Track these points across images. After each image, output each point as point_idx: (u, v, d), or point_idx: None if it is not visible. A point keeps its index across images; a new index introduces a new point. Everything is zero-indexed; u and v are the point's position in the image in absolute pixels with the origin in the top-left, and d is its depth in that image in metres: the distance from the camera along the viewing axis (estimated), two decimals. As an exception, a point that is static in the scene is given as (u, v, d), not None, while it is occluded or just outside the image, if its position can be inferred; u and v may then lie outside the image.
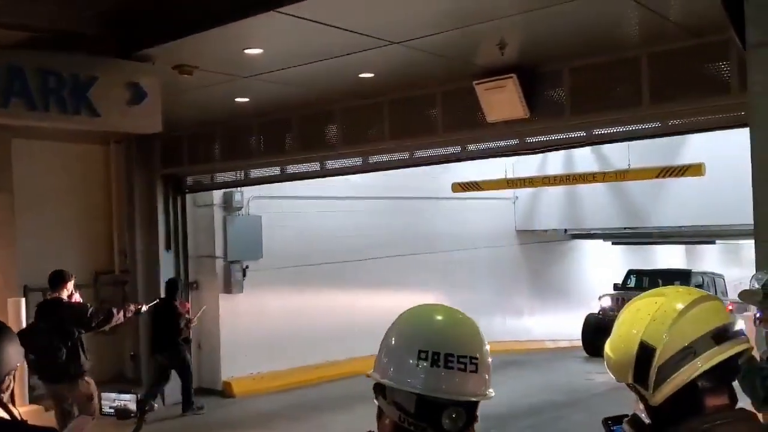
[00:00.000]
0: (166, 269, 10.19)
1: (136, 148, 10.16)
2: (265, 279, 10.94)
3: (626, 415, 1.76)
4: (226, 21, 5.28)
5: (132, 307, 7.33)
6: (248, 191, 10.71)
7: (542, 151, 8.06)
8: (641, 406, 1.64)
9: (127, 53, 6.03)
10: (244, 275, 10.74)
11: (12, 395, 2.27)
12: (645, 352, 1.58)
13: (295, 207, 11.32)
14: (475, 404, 1.62)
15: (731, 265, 21.90)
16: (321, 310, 11.62)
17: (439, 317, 1.70)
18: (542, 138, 7.19)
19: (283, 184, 10.24)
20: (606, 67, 6.30)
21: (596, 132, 6.86)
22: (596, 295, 14.51)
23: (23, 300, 8.79)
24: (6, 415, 2.26)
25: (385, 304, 12.41)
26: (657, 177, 11.10)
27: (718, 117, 5.98)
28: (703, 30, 5.62)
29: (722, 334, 1.58)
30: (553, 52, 6.37)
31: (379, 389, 1.68)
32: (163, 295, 9.45)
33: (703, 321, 1.58)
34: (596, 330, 13.45)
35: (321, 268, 11.61)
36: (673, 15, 5.40)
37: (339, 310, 11.82)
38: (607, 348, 1.70)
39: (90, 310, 6.90)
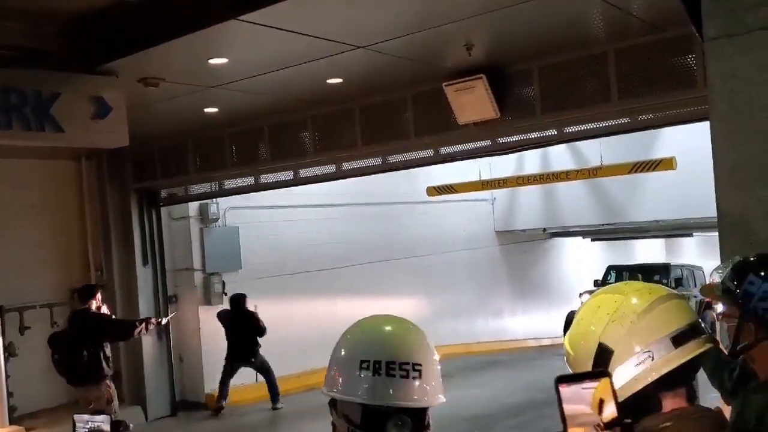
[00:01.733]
0: (144, 284, 10.09)
1: (107, 163, 10.05)
2: (244, 290, 10.83)
3: None
4: (188, 31, 5.22)
5: (154, 320, 7.99)
6: (224, 202, 10.63)
7: (515, 151, 8.06)
8: None
9: (91, 68, 5.95)
10: (224, 287, 10.65)
11: None
12: (603, 353, 1.55)
13: (271, 216, 11.25)
14: (423, 411, 1.60)
15: (710, 258, 22.07)
16: (301, 319, 11.56)
17: (382, 327, 1.70)
18: (514, 138, 7.19)
19: (259, 193, 10.18)
20: (574, 65, 6.32)
21: (567, 130, 6.86)
22: (577, 293, 14.55)
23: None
24: None
25: (364, 311, 12.19)
26: (629, 172, 11.15)
27: (686, 111, 6.00)
28: (666, 24, 5.64)
29: (682, 337, 1.54)
30: (521, 51, 6.38)
31: (332, 403, 1.66)
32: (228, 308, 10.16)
33: (663, 323, 1.55)
34: None
35: (299, 276, 11.56)
36: (635, 10, 5.42)
37: (319, 319, 11.73)
38: (567, 344, 1.67)
39: (112, 321, 7.74)
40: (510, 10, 5.20)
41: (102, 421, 3.41)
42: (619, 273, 15.83)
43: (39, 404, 9.65)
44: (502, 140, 7.31)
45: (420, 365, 1.59)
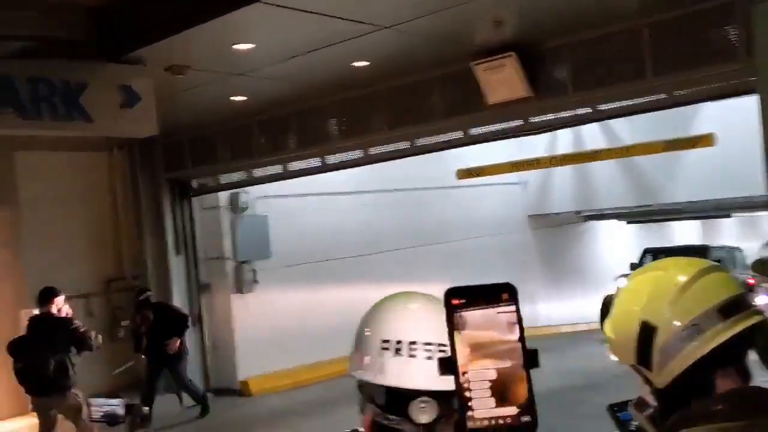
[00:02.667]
0: (177, 273, 10.16)
1: (138, 154, 10.12)
2: (275, 278, 10.87)
3: (631, 400, 1.65)
4: (213, 15, 5.18)
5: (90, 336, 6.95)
6: (253, 191, 10.63)
7: (547, 131, 7.90)
8: (647, 388, 1.51)
9: (118, 57, 5.95)
10: (255, 275, 10.67)
11: None
12: (646, 331, 1.44)
13: (300, 204, 11.23)
14: (451, 393, 1.51)
15: (750, 239, 21.60)
16: (331, 305, 11.54)
17: (405, 304, 1.60)
18: (547, 117, 7.03)
19: (288, 181, 10.17)
20: (607, 41, 6.15)
21: (601, 108, 6.69)
22: (613, 277, 14.30)
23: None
24: None
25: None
26: (665, 150, 10.84)
27: (725, 84, 5.80)
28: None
29: (730, 308, 1.42)
30: (552, 27, 6.22)
31: (359, 387, 1.57)
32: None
33: (708, 294, 1.43)
34: None
35: (329, 264, 11.54)
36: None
37: (348, 305, 11.60)
38: (607, 328, 1.57)
39: (77, 326, 6.88)
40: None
41: (117, 404, 3.41)
42: (656, 256, 15.42)
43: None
44: (533, 120, 7.16)
45: (445, 345, 1.50)
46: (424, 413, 1.46)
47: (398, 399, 1.47)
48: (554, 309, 15.64)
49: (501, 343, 1.14)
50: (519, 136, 8.04)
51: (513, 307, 1.11)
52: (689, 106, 9.94)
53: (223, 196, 10.56)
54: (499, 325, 1.14)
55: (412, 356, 1.47)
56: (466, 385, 1.29)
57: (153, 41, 5.66)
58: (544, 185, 15.36)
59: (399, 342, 1.48)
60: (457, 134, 7.65)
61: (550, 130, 8.19)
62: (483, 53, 6.57)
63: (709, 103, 10.22)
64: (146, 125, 6.12)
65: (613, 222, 17.58)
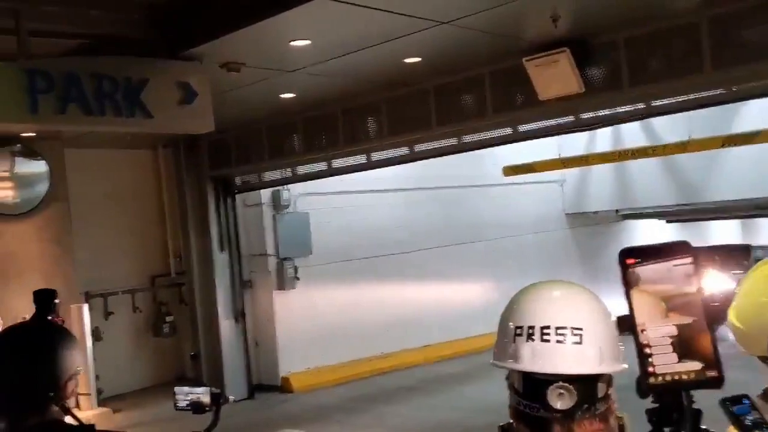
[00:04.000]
0: (221, 269, 10.26)
1: (184, 152, 10.24)
2: (315, 275, 10.94)
3: (744, 395, 1.62)
4: (276, 11, 5.22)
5: None
6: (295, 188, 10.70)
7: (599, 127, 7.84)
8: None
9: (176, 53, 6.03)
10: (296, 272, 10.74)
11: (77, 400, 2.23)
12: None
13: (340, 202, 11.28)
14: (594, 381, 1.48)
15: (788, 238, 21.23)
16: (371, 303, 11.59)
17: (540, 291, 1.59)
18: (599, 113, 6.98)
19: (328, 179, 10.22)
20: (664, 35, 6.07)
21: (655, 103, 6.62)
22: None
23: (86, 306, 8.95)
24: (73, 421, 2.22)
25: (432, 296, 12.35)
26: (724, 146, 10.69)
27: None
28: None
29: None
30: (607, 21, 6.17)
31: (507, 374, 1.58)
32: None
33: None
34: None
35: (368, 261, 11.57)
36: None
37: (388, 303, 11.77)
38: (734, 318, 1.55)
39: None
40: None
41: (202, 393, 3.43)
42: (696, 254, 15.26)
43: (124, 387, 9.96)
44: (585, 116, 7.11)
45: (580, 329, 1.47)
46: (561, 399, 1.44)
47: (535, 385, 1.47)
48: (593, 308, 15.48)
49: (680, 296, 1.15)
50: (569, 132, 7.99)
51: (689, 259, 1.11)
52: (731, 105, 9.85)
53: (266, 194, 10.66)
54: (675, 278, 1.15)
55: (545, 341, 1.47)
56: (645, 342, 1.29)
57: (213, 38, 5.72)
58: (582, 183, 15.24)
59: (531, 327, 1.48)
60: (506, 131, 7.63)
61: (601, 127, 8.13)
62: (535, 49, 6.53)
63: (752, 101, 10.13)
64: (203, 122, 6.19)
65: (651, 221, 17.37)
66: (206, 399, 3.28)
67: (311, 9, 5.13)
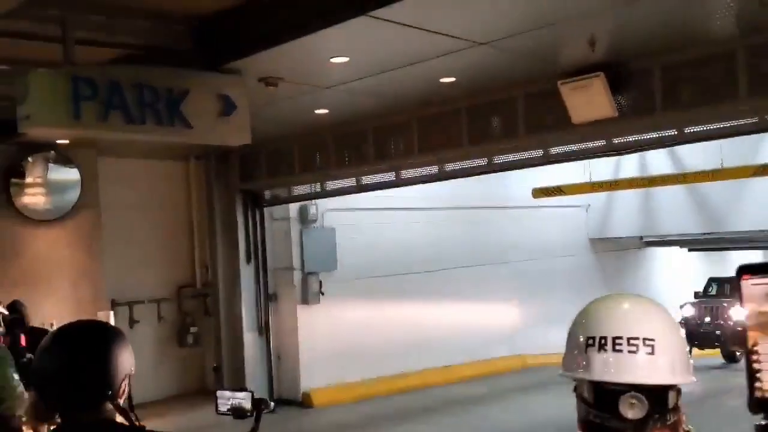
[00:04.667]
0: (247, 281, 10.34)
1: (215, 164, 10.37)
2: (339, 290, 10.98)
3: None
4: (316, 28, 5.33)
5: None
6: (322, 204, 10.79)
7: (630, 152, 7.86)
8: None
9: (216, 66, 6.14)
10: (321, 287, 10.79)
11: (130, 400, 2.26)
12: None
13: (367, 219, 11.35)
14: (665, 391, 1.52)
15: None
16: (394, 321, 11.60)
17: (611, 303, 1.64)
18: (631, 138, 7.01)
19: (355, 196, 10.30)
20: (700, 62, 6.10)
21: (688, 130, 6.64)
22: (674, 304, 14.05)
23: (112, 313, 9.02)
24: (125, 421, 2.24)
25: (456, 316, 12.33)
26: (755, 175, 10.70)
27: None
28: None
29: None
30: (641, 47, 6.22)
31: (574, 386, 1.62)
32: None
33: None
34: None
35: (393, 279, 11.60)
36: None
37: (411, 321, 11.78)
38: None
39: None
40: (639, 4, 5.09)
41: (243, 398, 3.46)
42: (721, 284, 15.28)
43: (147, 396, 9.97)
44: (617, 140, 7.14)
45: (652, 340, 1.51)
46: (632, 409, 1.47)
47: (606, 395, 1.50)
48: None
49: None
50: (600, 156, 8.01)
51: None
52: (757, 135, 9.83)
53: (293, 208, 10.75)
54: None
55: (617, 351, 1.50)
56: (755, 358, 1.32)
57: (254, 52, 5.83)
58: (606, 209, 15.23)
59: (603, 338, 1.52)
60: (537, 153, 7.67)
61: (634, 152, 8.15)
62: (570, 72, 6.59)
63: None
64: (241, 134, 6.29)
65: (674, 249, 17.28)
66: (247, 404, 3.31)
67: (353, 26, 5.23)
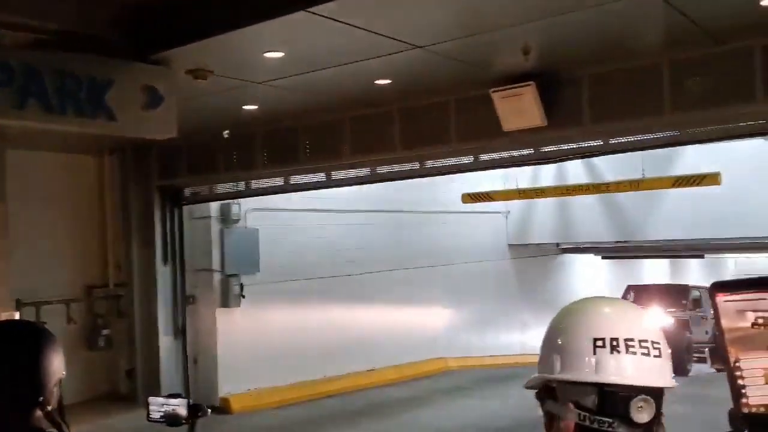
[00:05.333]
0: (163, 283, 9.95)
1: (131, 159, 9.94)
2: (262, 293, 10.73)
3: None
4: (253, 21, 5.14)
5: None
6: (245, 203, 10.52)
7: (558, 161, 8.02)
8: None
9: (143, 56, 5.86)
10: (242, 289, 10.51)
11: (60, 406, 2.09)
12: None
13: (292, 220, 11.15)
14: (661, 395, 1.50)
15: (711, 280, 22.10)
16: (318, 324, 11.45)
17: (608, 305, 1.58)
18: (559, 147, 7.14)
19: (280, 196, 10.10)
20: (627, 74, 6.27)
21: (613, 141, 6.82)
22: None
23: (17, 314, 8.50)
24: (54, 429, 2.08)
25: (380, 319, 12.30)
26: (674, 186, 11.18)
27: (743, 125, 5.98)
28: (728, 36, 5.63)
29: None
30: (574, 58, 6.34)
31: (547, 393, 1.55)
32: None
33: None
34: None
35: (318, 282, 11.45)
36: (700, 19, 5.38)
37: (336, 325, 11.66)
38: None
39: None
40: (572, 15, 5.17)
41: (178, 404, 3.27)
42: (639, 292, 16.03)
43: (54, 401, 9.47)
44: (545, 149, 7.26)
45: (659, 343, 1.49)
46: (641, 412, 1.43)
47: (612, 399, 1.44)
48: (532, 337, 15.76)
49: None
50: (529, 164, 8.14)
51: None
52: (671, 149, 10.29)
53: (214, 207, 10.42)
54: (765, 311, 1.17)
55: (631, 353, 1.45)
56: (738, 374, 1.30)
57: (184, 43, 5.58)
58: (525, 216, 15.58)
59: (615, 339, 1.46)
60: (468, 158, 7.71)
61: (561, 161, 8.31)
62: (502, 80, 6.66)
63: (689, 146, 10.61)
64: (167, 127, 6.01)
65: (589, 256, 17.86)
66: (183, 411, 3.13)
67: (291, 21, 5.08)
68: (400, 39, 5.55)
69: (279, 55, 5.92)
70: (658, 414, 1.48)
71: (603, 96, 6.45)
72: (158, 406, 3.22)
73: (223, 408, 10.24)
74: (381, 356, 12.09)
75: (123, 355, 10.13)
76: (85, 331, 10.07)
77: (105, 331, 10.09)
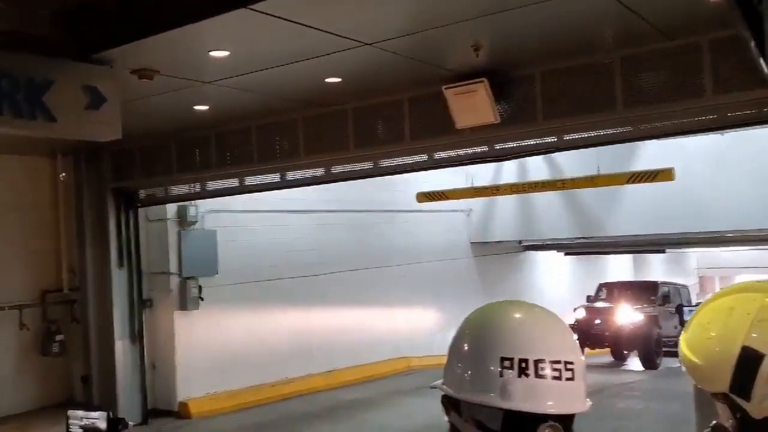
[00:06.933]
0: (119, 287, 9.73)
1: (85, 161, 9.73)
2: (220, 295, 10.58)
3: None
4: (195, 19, 5.02)
5: None
6: (203, 205, 10.35)
7: (512, 158, 8.01)
8: (728, 417, 1.41)
9: (85, 56, 5.69)
10: (200, 292, 10.34)
11: None
12: (749, 358, 1.36)
13: (249, 221, 11.02)
14: (572, 418, 1.40)
15: (676, 275, 22.45)
16: (277, 326, 11.35)
17: (519, 316, 1.46)
18: (513, 144, 7.12)
19: (238, 197, 9.96)
20: (579, 71, 6.27)
21: (567, 137, 6.81)
22: (554, 307, 14.56)
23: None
24: None
25: (339, 320, 12.22)
26: (629, 182, 11.26)
27: (692, 120, 6.01)
28: (677, 31, 5.65)
29: None
30: (525, 55, 6.32)
31: (451, 404, 1.44)
32: None
33: None
34: None
35: (276, 283, 11.33)
36: (649, 14, 5.39)
37: (295, 326, 11.56)
38: (689, 353, 1.47)
39: None
40: (521, 11, 5.13)
41: (98, 417, 3.17)
42: (611, 289, 16.22)
43: (6, 410, 9.25)
44: (499, 146, 7.23)
45: (572, 363, 1.38)
46: None
47: (518, 423, 1.35)
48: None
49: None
50: (484, 162, 8.11)
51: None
52: (628, 144, 10.36)
53: (171, 209, 10.24)
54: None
55: (540, 377, 1.35)
56: None
57: (126, 42, 5.44)
58: (487, 214, 15.59)
59: (524, 361, 1.36)
60: (422, 157, 7.65)
61: (515, 158, 8.30)
62: (455, 77, 6.62)
63: (648, 141, 10.72)
64: (110, 129, 5.85)
65: (552, 253, 17.95)
66: (102, 425, 3.04)
67: (232, 19, 4.97)
68: (345, 36, 5.46)
69: (224, 54, 5.81)
70: None
71: (555, 92, 6.44)
72: (78, 419, 3.12)
73: (181, 413, 10.09)
74: (342, 357, 12.01)
75: (78, 361, 9.90)
76: (39, 337, 9.84)
77: (59, 337, 9.86)
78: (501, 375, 1.36)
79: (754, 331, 1.37)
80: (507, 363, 1.36)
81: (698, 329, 1.50)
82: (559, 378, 1.36)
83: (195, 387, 10.24)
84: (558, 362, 1.37)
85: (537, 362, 1.36)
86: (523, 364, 1.35)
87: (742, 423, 1.39)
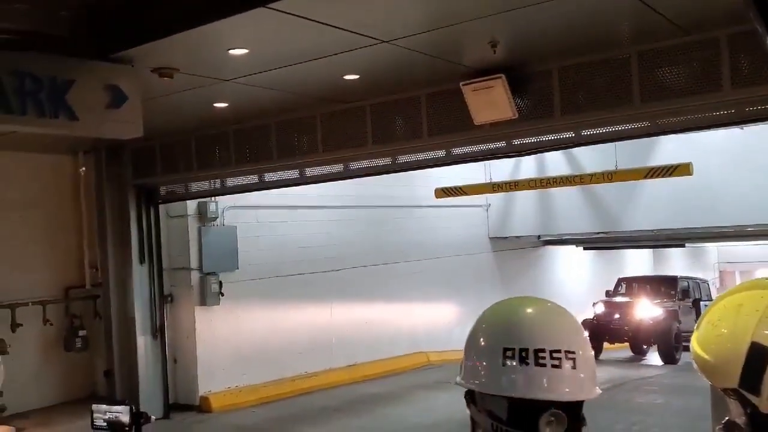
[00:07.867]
0: (140, 282, 9.87)
1: (106, 158, 9.85)
2: (240, 291, 10.69)
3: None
4: (213, 18, 5.08)
5: None
6: (223, 201, 10.46)
7: (530, 153, 8.00)
8: (741, 413, 1.44)
9: (106, 55, 5.78)
10: (220, 287, 10.45)
11: None
12: (758, 354, 1.38)
13: (270, 217, 11.10)
14: (578, 405, 1.45)
15: (694, 269, 22.29)
16: (297, 321, 11.43)
17: (525, 309, 1.53)
18: (530, 140, 7.12)
19: (258, 193, 10.04)
20: (596, 66, 6.26)
21: (585, 132, 6.80)
22: (572, 300, 14.54)
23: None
24: None
25: (360, 315, 12.29)
26: (647, 177, 11.21)
27: (711, 115, 5.98)
28: (693, 26, 5.62)
29: None
30: (543, 50, 6.32)
31: (470, 397, 1.51)
32: None
33: None
34: (592, 336, 14.20)
35: (296, 278, 11.41)
36: (666, 9, 5.37)
37: (315, 321, 11.64)
38: (700, 350, 1.50)
39: None
40: (538, 7, 5.13)
41: (121, 411, 3.24)
42: (630, 284, 16.17)
43: (30, 404, 9.41)
44: (517, 142, 7.23)
45: (573, 352, 1.43)
46: (551, 426, 1.39)
47: (523, 412, 1.40)
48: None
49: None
50: (501, 157, 8.12)
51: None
52: (648, 139, 10.32)
53: (191, 205, 10.36)
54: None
55: (540, 365, 1.40)
56: None
57: (147, 41, 5.51)
58: (506, 209, 15.58)
59: (524, 350, 1.41)
60: (440, 153, 7.68)
61: (532, 153, 8.30)
62: (472, 73, 6.63)
63: (666, 137, 10.66)
64: (132, 127, 5.94)
65: (571, 247, 17.89)
66: (125, 418, 3.12)
67: (252, 17, 5.02)
68: (362, 33, 5.50)
69: (244, 52, 5.86)
70: (576, 425, 1.43)
71: (573, 88, 6.43)
72: (102, 413, 3.20)
73: (203, 407, 10.22)
74: (361, 352, 12.08)
75: (100, 356, 10.05)
76: (62, 333, 10.00)
77: (82, 332, 10.01)
78: (504, 365, 1.42)
79: (762, 328, 1.40)
80: (509, 353, 1.42)
81: (709, 327, 1.52)
82: (559, 366, 1.40)
83: (216, 381, 10.35)
84: (558, 351, 1.41)
85: (537, 351, 1.41)
86: (524, 354, 1.41)
87: (752, 418, 1.41)
